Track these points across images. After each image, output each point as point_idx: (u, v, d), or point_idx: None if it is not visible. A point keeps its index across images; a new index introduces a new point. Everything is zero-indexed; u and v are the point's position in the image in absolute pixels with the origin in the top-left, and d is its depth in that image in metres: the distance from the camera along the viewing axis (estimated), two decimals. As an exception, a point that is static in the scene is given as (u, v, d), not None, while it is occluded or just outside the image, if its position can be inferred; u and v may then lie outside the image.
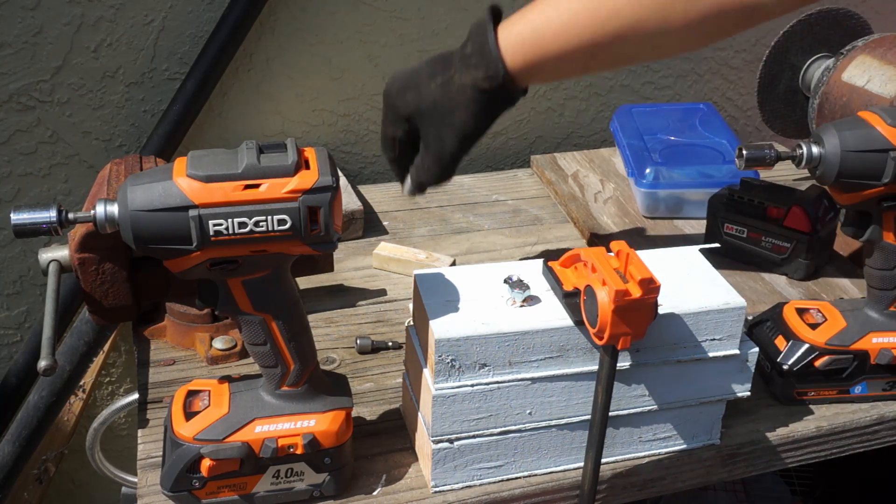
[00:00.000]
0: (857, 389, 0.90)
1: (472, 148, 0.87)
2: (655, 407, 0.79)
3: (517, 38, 0.81)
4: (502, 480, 0.79)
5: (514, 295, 0.75)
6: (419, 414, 0.78)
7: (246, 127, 1.29)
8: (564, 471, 0.80)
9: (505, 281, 0.76)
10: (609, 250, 0.72)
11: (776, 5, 0.78)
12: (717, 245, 0.89)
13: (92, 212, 0.64)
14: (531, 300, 0.75)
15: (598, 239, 1.17)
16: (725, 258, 1.13)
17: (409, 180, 0.90)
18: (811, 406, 0.90)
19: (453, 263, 1.10)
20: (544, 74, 0.83)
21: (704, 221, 1.16)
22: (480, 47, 0.81)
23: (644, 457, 0.82)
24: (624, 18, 0.79)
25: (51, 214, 0.63)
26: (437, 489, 0.77)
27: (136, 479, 0.78)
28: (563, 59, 0.81)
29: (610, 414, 0.72)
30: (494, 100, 0.83)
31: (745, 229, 1.11)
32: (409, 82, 0.85)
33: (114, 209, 0.63)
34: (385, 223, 1.22)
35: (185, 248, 0.64)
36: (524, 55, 0.81)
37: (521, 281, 0.76)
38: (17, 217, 0.63)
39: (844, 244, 1.15)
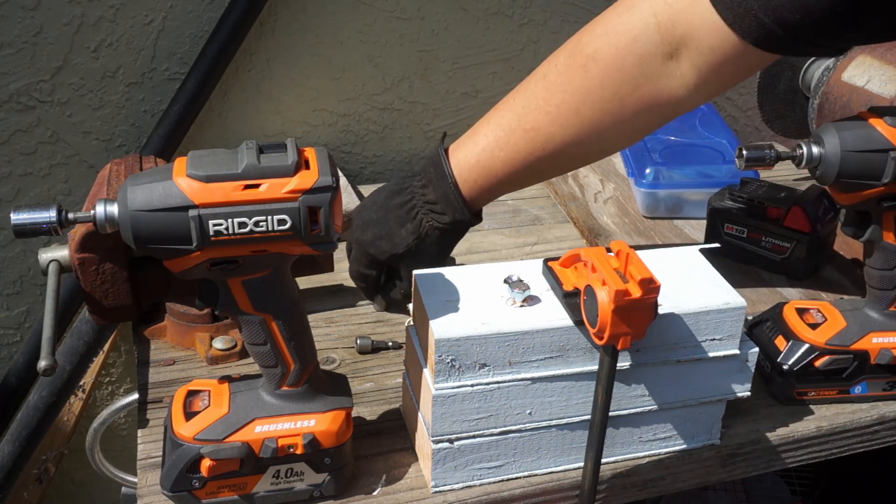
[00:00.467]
0: (858, 389, 0.90)
1: None
2: (655, 407, 0.79)
3: (470, 175, 0.89)
4: (502, 480, 0.79)
5: (514, 295, 0.75)
6: (419, 414, 0.78)
7: (246, 127, 1.29)
8: (564, 471, 0.80)
9: (505, 281, 0.76)
10: (609, 250, 0.72)
11: (698, 98, 0.85)
12: (717, 245, 0.89)
13: (92, 212, 0.64)
14: (531, 300, 0.75)
15: (598, 240, 1.17)
16: (725, 258, 1.13)
17: (381, 301, 1.00)
18: (811, 406, 0.90)
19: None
20: (496, 195, 0.92)
21: (704, 221, 1.16)
22: (444, 195, 0.89)
23: (644, 457, 0.82)
24: (559, 140, 0.85)
25: (51, 214, 0.63)
26: (437, 489, 0.77)
27: (136, 479, 0.78)
28: (514, 182, 0.90)
29: (610, 414, 0.72)
30: (459, 232, 0.93)
31: (745, 229, 1.11)
32: (380, 232, 0.92)
33: (114, 209, 0.63)
34: (385, 223, 1.22)
35: (185, 248, 0.64)
36: (480, 189, 0.89)
37: (521, 281, 0.76)
38: (17, 217, 0.63)
39: (844, 244, 1.15)
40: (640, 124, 0.87)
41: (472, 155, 0.88)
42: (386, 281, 0.97)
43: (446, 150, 0.90)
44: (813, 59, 1.33)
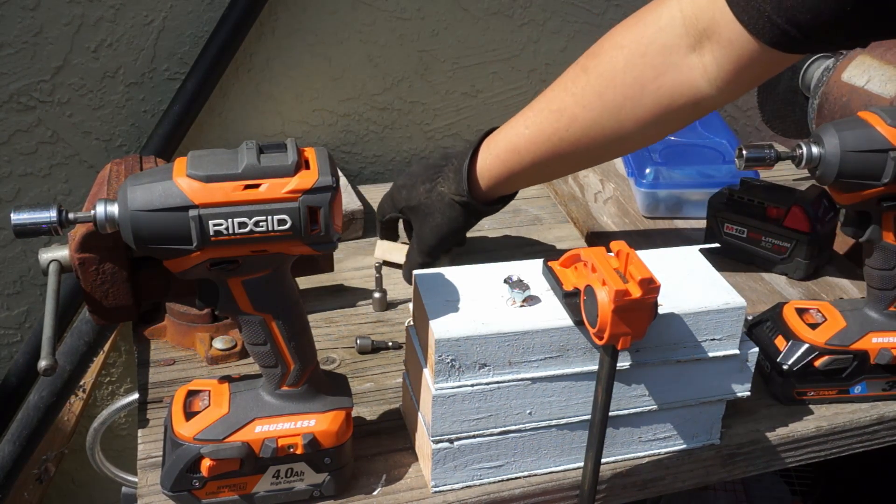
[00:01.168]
0: (857, 389, 0.90)
1: (451, 244, 1.03)
2: (655, 407, 0.79)
3: (494, 153, 0.95)
4: (502, 480, 0.79)
5: (514, 295, 0.75)
6: (419, 414, 0.78)
7: (246, 127, 1.29)
8: (564, 471, 0.80)
9: (505, 281, 0.76)
10: (609, 250, 0.72)
11: (719, 96, 0.86)
12: (717, 245, 0.89)
13: (92, 212, 0.64)
14: (531, 300, 0.75)
15: (597, 238, 1.17)
16: (725, 258, 1.13)
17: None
18: (811, 406, 0.90)
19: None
20: (520, 182, 0.97)
21: (704, 221, 1.16)
22: (458, 167, 0.97)
23: (644, 457, 0.82)
24: (582, 123, 0.89)
25: (51, 214, 0.63)
26: (437, 489, 0.77)
27: (136, 479, 0.78)
28: (535, 167, 0.93)
29: (610, 414, 0.72)
30: (466, 210, 0.99)
31: (745, 229, 1.11)
32: (407, 182, 1.02)
33: (114, 209, 0.63)
34: (385, 223, 1.22)
35: (185, 248, 0.64)
36: (503, 165, 0.94)
37: (521, 281, 0.76)
38: (17, 217, 0.63)
39: (844, 244, 1.15)
40: (660, 116, 0.87)
41: (501, 133, 0.95)
42: (392, 226, 1.09)
43: (488, 133, 0.97)
44: (813, 59, 1.33)
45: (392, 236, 1.11)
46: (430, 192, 0.99)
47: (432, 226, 1.00)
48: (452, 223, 1.00)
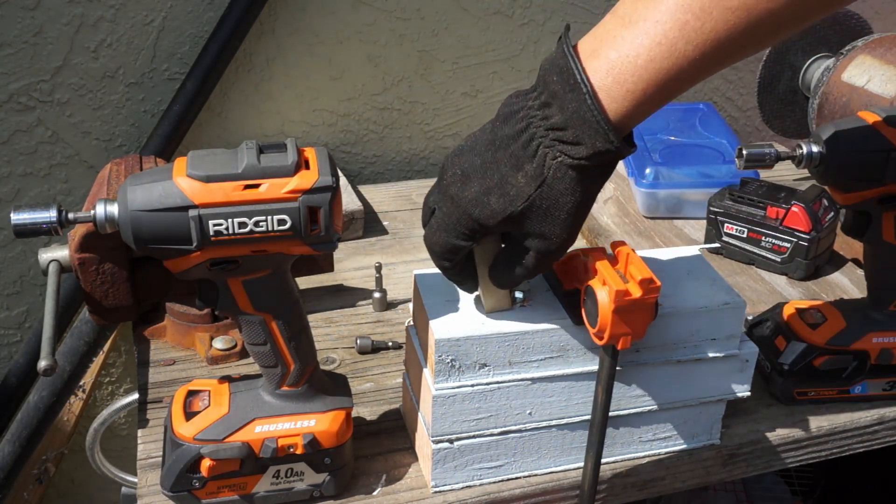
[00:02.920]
0: (857, 389, 0.90)
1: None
2: (655, 407, 0.79)
3: (619, 77, 0.61)
4: (502, 480, 0.79)
5: (514, 295, 0.75)
6: (419, 414, 0.78)
7: (246, 127, 1.29)
8: (564, 471, 0.80)
9: (505, 281, 0.76)
10: (609, 250, 0.72)
11: None
12: (717, 245, 0.89)
13: (92, 212, 0.64)
14: (531, 300, 0.75)
15: (597, 238, 1.17)
16: (725, 258, 1.13)
17: (471, 287, 0.74)
18: (811, 406, 0.90)
19: None
20: (650, 110, 0.64)
21: (704, 221, 1.16)
22: (576, 115, 0.62)
23: (644, 457, 0.82)
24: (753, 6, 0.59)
25: (51, 214, 0.63)
26: (437, 489, 0.77)
27: (136, 479, 0.78)
28: (680, 80, 0.62)
29: (610, 414, 0.72)
30: (603, 169, 0.65)
31: (745, 229, 1.11)
32: (488, 183, 0.65)
33: (114, 209, 0.63)
34: (385, 223, 1.22)
35: (185, 248, 0.64)
36: (632, 99, 0.62)
37: (521, 281, 0.76)
38: (17, 217, 0.63)
39: (844, 244, 1.15)
40: None
41: (622, 49, 0.61)
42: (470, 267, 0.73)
43: (575, 48, 0.62)
44: (813, 59, 1.33)
45: (472, 280, 0.73)
46: (538, 177, 0.64)
47: (560, 219, 0.65)
48: (586, 200, 0.66)
